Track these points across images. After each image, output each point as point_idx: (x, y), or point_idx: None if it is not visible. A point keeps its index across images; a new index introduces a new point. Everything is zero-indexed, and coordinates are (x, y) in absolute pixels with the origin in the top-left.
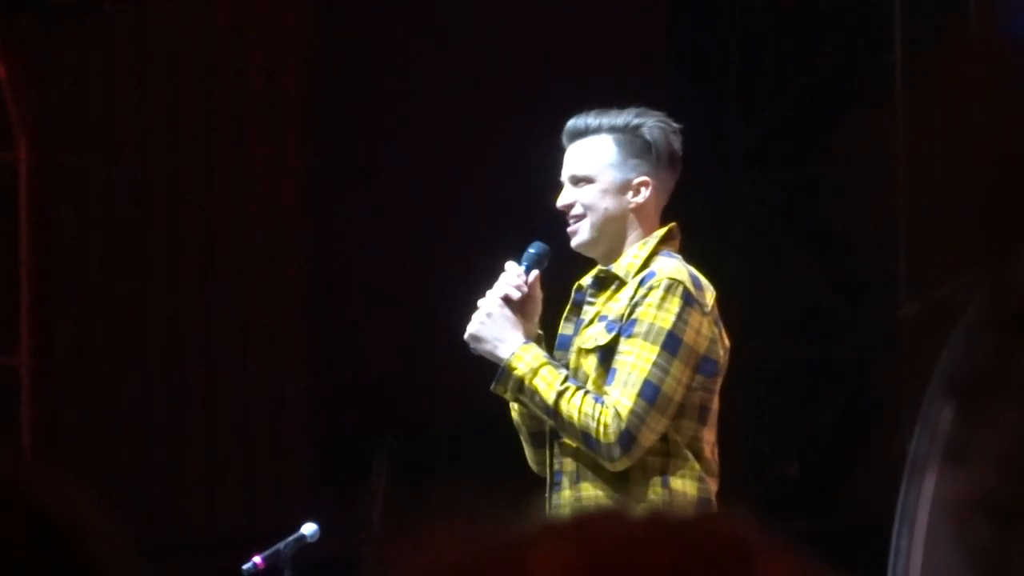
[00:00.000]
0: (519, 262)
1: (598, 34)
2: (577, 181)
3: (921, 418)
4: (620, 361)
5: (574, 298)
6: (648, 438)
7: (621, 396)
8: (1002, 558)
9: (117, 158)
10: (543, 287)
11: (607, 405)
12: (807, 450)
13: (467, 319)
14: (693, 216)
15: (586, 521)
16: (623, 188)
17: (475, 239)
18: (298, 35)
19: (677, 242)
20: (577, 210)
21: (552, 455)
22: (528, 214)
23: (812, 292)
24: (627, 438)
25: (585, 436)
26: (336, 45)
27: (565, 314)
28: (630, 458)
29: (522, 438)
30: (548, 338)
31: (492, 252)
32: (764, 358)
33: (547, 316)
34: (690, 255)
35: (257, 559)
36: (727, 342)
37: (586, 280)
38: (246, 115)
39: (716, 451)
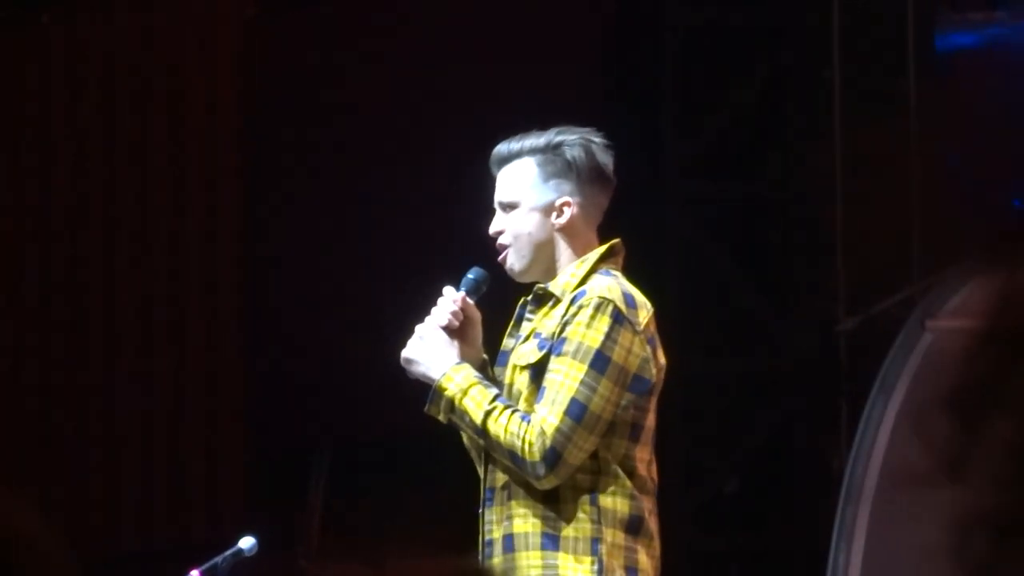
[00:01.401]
0: (458, 287)
1: (532, 51)
2: (504, 207)
3: (859, 436)
4: (549, 379)
5: (516, 313)
6: (575, 456)
7: (548, 414)
8: (1001, 573)
9: (54, 172)
10: (486, 310)
11: (533, 423)
12: (744, 466)
13: (405, 331)
14: (628, 231)
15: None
16: (546, 210)
17: (412, 252)
18: (233, 52)
19: (620, 259)
20: (505, 239)
21: (487, 472)
22: (466, 233)
23: (749, 307)
24: (552, 456)
25: (512, 455)
26: (270, 60)
27: (508, 330)
28: (557, 476)
29: (474, 460)
30: (493, 359)
31: (430, 265)
32: (700, 373)
33: (498, 335)
34: (626, 271)
35: (195, 573)
36: (663, 360)
37: (530, 296)
38: (182, 128)
39: (654, 468)
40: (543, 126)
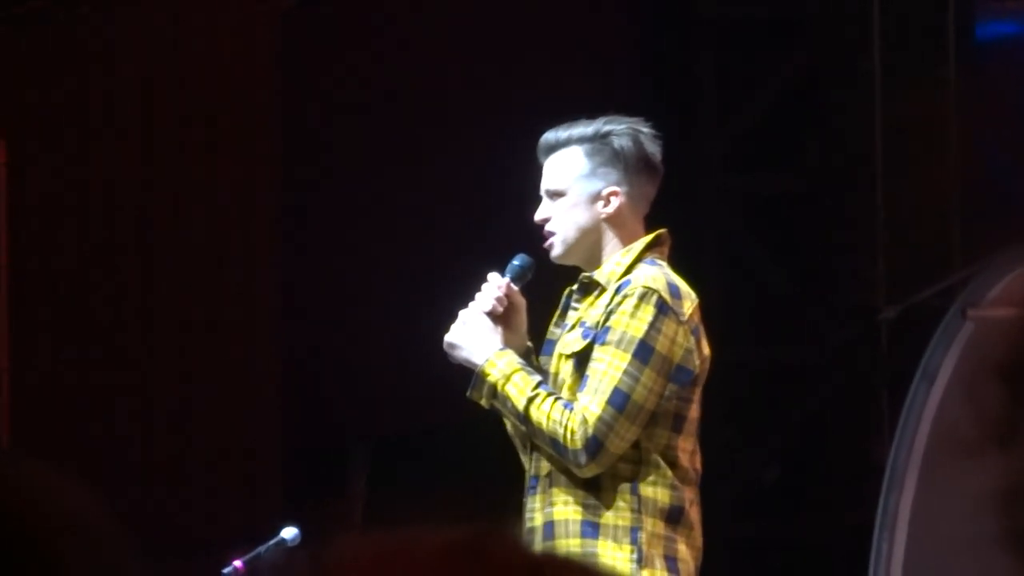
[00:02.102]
0: (503, 273)
1: (570, 43)
2: (552, 195)
3: (901, 425)
4: (592, 368)
5: (563, 303)
6: (617, 445)
7: (590, 403)
8: None
9: (90, 166)
10: (532, 297)
11: (575, 411)
12: (785, 455)
13: (446, 320)
14: (666, 223)
15: (385, 548)
16: (593, 199)
17: (454, 244)
18: (270, 51)
19: (665, 248)
20: (551, 226)
21: (531, 460)
22: (509, 224)
23: (788, 296)
24: (594, 445)
25: (553, 442)
26: (309, 50)
27: (554, 319)
28: (598, 464)
29: (517, 447)
30: (538, 347)
31: (473, 255)
32: (741, 364)
33: (545, 323)
34: (669, 265)
35: (237, 563)
36: (707, 351)
37: (576, 285)
38: (220, 122)
39: (697, 459)
40: (581, 119)
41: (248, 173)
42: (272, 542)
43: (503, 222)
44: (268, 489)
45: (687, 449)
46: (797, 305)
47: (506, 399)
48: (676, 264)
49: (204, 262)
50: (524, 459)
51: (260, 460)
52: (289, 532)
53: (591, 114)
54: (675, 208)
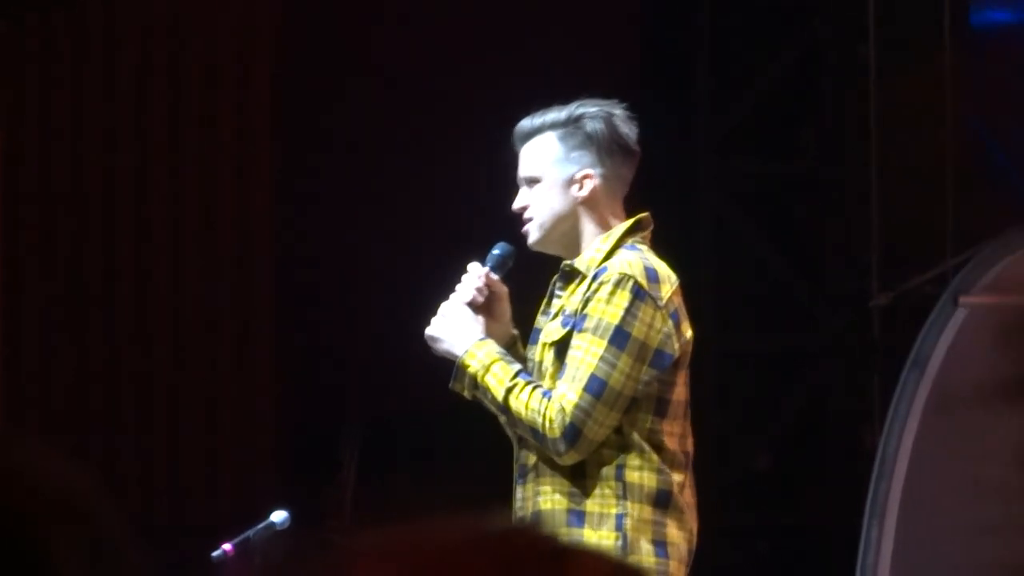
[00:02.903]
0: (483, 263)
1: (566, 27)
2: (528, 182)
3: (892, 412)
4: (570, 356)
5: (549, 292)
6: (595, 432)
7: (567, 391)
8: None
9: (86, 151)
10: (518, 284)
11: (553, 400)
12: (776, 442)
13: (432, 311)
14: (662, 208)
15: (407, 540)
16: (567, 183)
17: (442, 230)
18: (268, 33)
19: (648, 233)
20: (529, 214)
21: (519, 449)
22: (495, 212)
23: (782, 283)
24: (572, 432)
25: (533, 431)
26: (305, 42)
27: (541, 308)
28: (578, 452)
29: (510, 436)
30: (527, 335)
31: (459, 243)
32: (734, 349)
33: (532, 313)
34: (659, 248)
35: (227, 546)
36: (688, 333)
37: (559, 274)
38: (215, 110)
39: (688, 442)
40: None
41: (244, 160)
42: (261, 526)
43: (496, 211)
44: (262, 472)
45: (674, 432)
46: (791, 291)
47: (486, 390)
48: (672, 249)
49: (200, 248)
50: (516, 449)
51: (254, 443)
52: (279, 516)
53: (586, 99)
54: (671, 192)
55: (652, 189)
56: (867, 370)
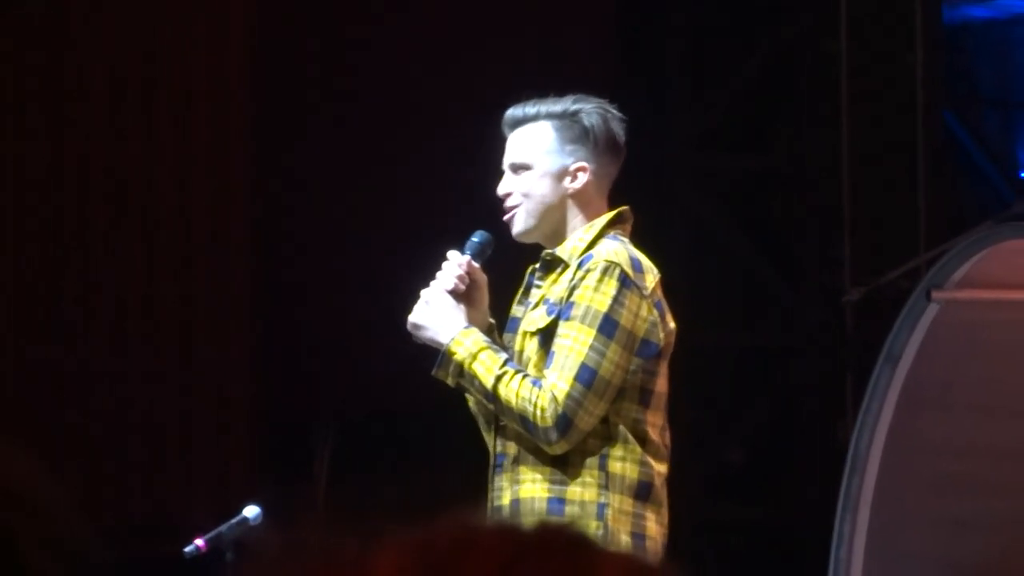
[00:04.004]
0: (462, 251)
1: (542, 20)
2: (516, 168)
3: (864, 407)
4: (558, 344)
5: (526, 281)
6: (586, 421)
7: (558, 380)
8: None
9: (60, 144)
10: (492, 273)
11: (544, 389)
12: (750, 437)
13: (410, 305)
14: (637, 204)
15: (428, 532)
16: (560, 174)
17: (419, 225)
18: (244, 27)
19: (628, 226)
20: (514, 199)
21: (496, 438)
22: (472, 201)
23: (756, 278)
24: (564, 421)
25: (523, 420)
26: (280, 35)
27: (518, 297)
28: (568, 441)
29: (480, 426)
30: (501, 324)
31: (436, 238)
32: (707, 344)
33: (506, 301)
34: (634, 243)
35: (199, 542)
36: (672, 324)
37: (538, 263)
38: (190, 102)
39: (667, 435)
40: (548, 96)
41: (221, 151)
42: (234, 521)
43: (473, 202)
44: (237, 468)
45: (657, 424)
46: (765, 287)
47: (473, 377)
48: (646, 244)
49: (176, 243)
50: (487, 437)
51: (229, 439)
52: (251, 511)
53: (563, 94)
54: (645, 187)
55: (627, 185)
56: (840, 365)
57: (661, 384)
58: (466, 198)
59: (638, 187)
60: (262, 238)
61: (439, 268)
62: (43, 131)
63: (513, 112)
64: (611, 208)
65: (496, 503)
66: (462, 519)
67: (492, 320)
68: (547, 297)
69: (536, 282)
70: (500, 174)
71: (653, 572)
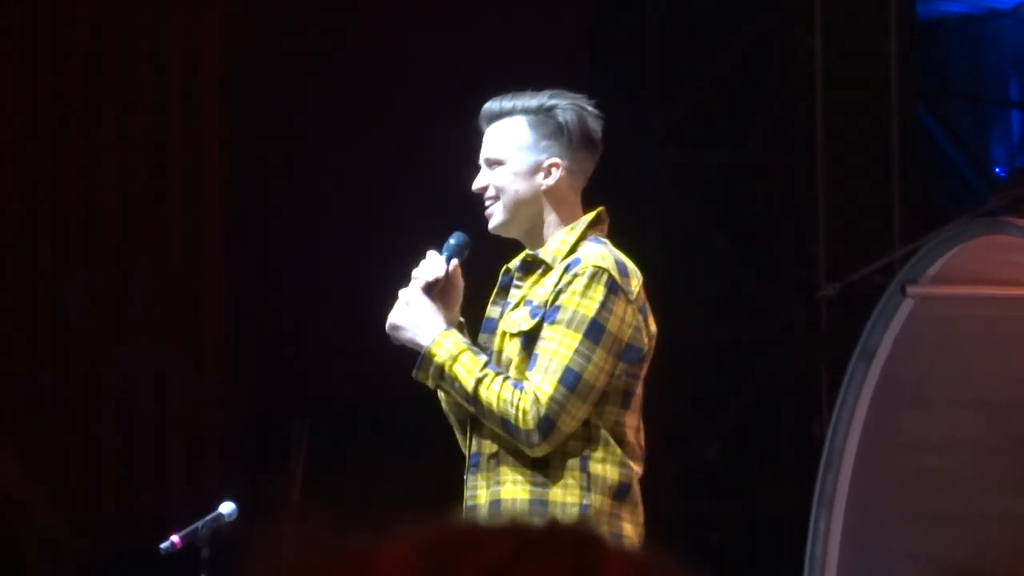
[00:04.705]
0: (439, 251)
1: (517, 14)
2: (491, 164)
3: (839, 403)
4: (542, 347)
5: (501, 281)
6: (568, 424)
7: (541, 382)
8: None
9: (35, 141)
10: (466, 274)
11: (526, 391)
12: (725, 432)
13: (387, 300)
14: (612, 199)
15: (435, 529)
16: (534, 170)
17: (395, 220)
18: (218, 24)
19: (605, 227)
20: (490, 192)
21: (471, 437)
22: (448, 199)
23: (731, 274)
24: (546, 424)
25: (504, 422)
26: (255, 25)
27: (492, 297)
28: (550, 444)
29: (452, 425)
30: (471, 324)
31: (413, 233)
32: (683, 339)
33: (474, 301)
34: (610, 239)
35: (175, 538)
36: (653, 328)
37: (514, 263)
38: (165, 99)
39: (641, 435)
40: (525, 91)
41: (195, 144)
42: (209, 517)
43: (450, 199)
44: (212, 463)
45: (633, 425)
46: (739, 281)
47: (454, 380)
48: (621, 240)
49: (149, 237)
50: (460, 437)
51: (204, 434)
52: (227, 507)
53: (537, 88)
54: (620, 182)
55: (602, 180)
56: (815, 361)
57: (640, 387)
58: (444, 194)
59: (613, 182)
60: (237, 231)
61: (416, 265)
62: (15, 141)
63: (490, 106)
64: (586, 205)
65: (471, 502)
66: (470, 516)
67: (462, 319)
68: (529, 298)
69: (515, 283)
70: (476, 170)
71: (661, 570)
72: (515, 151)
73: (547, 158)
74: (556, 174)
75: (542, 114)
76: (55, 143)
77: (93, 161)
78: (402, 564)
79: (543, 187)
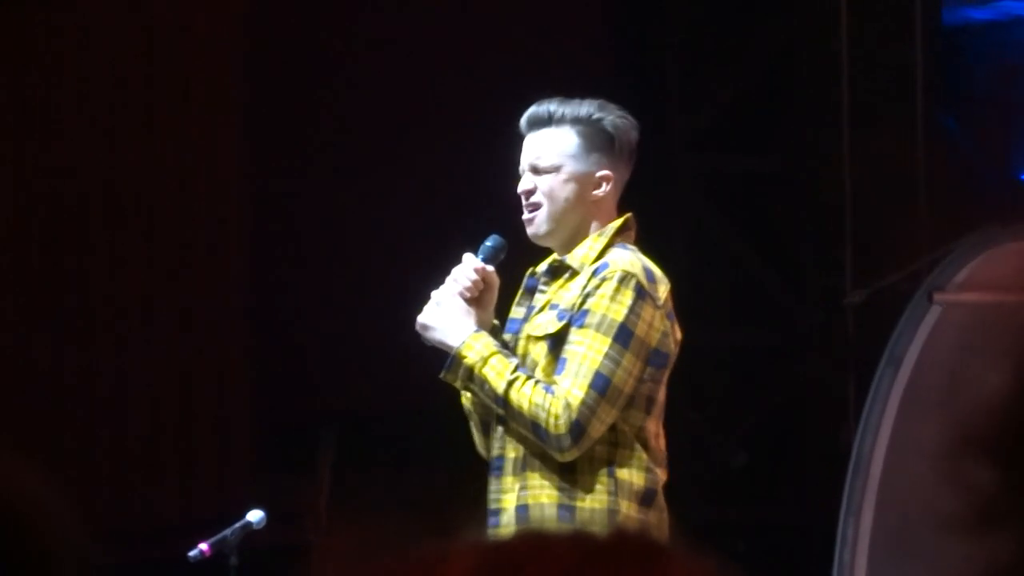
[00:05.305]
0: (476, 254)
1: (541, 22)
2: (538, 171)
3: (866, 410)
4: (571, 351)
5: (526, 283)
6: (598, 429)
7: (572, 387)
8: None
9: (58, 146)
10: (501, 277)
11: (557, 396)
12: (752, 439)
13: (413, 307)
14: (636, 206)
15: (499, 537)
16: (585, 181)
17: (418, 226)
18: (239, 21)
19: (632, 233)
20: (536, 198)
21: (495, 440)
22: (471, 207)
23: (756, 280)
24: (577, 429)
25: (535, 426)
26: (277, 30)
27: (517, 299)
28: (579, 448)
29: (472, 425)
30: (502, 325)
31: (439, 241)
32: (709, 346)
33: (499, 302)
34: (638, 248)
35: (203, 546)
36: (679, 335)
37: (540, 267)
38: (187, 103)
39: (662, 441)
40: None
41: (218, 153)
42: (238, 525)
43: (479, 203)
44: (237, 471)
45: (655, 432)
46: (765, 288)
47: (483, 381)
48: (646, 246)
49: (173, 245)
50: (479, 439)
51: (229, 442)
52: (255, 515)
53: (560, 95)
54: (644, 188)
55: (627, 186)
56: (842, 367)
57: (663, 393)
58: (467, 202)
59: (638, 189)
60: (260, 238)
61: (440, 270)
62: (42, 135)
63: (536, 111)
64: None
65: (495, 506)
66: (534, 529)
67: (496, 321)
68: (555, 302)
69: (541, 287)
70: (507, 174)
71: None
72: (566, 159)
73: (598, 170)
74: (606, 187)
75: (591, 125)
76: (80, 146)
77: (114, 173)
78: (468, 574)
79: (592, 199)
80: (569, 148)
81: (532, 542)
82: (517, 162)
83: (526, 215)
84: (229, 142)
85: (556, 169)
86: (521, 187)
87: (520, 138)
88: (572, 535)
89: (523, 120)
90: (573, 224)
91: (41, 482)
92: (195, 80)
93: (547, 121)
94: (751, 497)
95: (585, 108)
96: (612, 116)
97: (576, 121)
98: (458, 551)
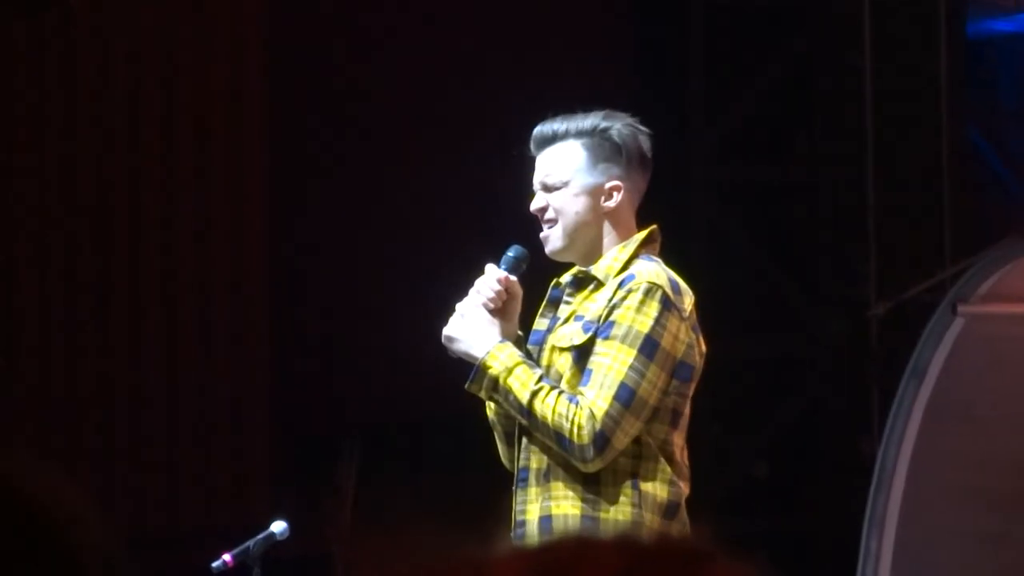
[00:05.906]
0: (499, 265)
1: (561, 33)
2: (548, 188)
3: (890, 422)
4: (596, 362)
5: (550, 294)
6: (621, 441)
7: (596, 398)
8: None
9: (77, 155)
10: (523, 287)
11: (582, 406)
12: (774, 451)
13: (433, 318)
14: (656, 216)
15: (541, 544)
16: (595, 193)
17: (441, 240)
18: (259, 33)
19: (657, 245)
20: (549, 215)
21: (520, 451)
22: (505, 215)
23: (779, 291)
24: (601, 440)
25: (559, 436)
26: (298, 43)
27: (541, 310)
28: (603, 460)
29: (496, 436)
30: (526, 335)
31: (458, 252)
32: (731, 357)
33: (522, 312)
34: (663, 259)
35: (227, 557)
36: (704, 347)
37: (565, 278)
38: (208, 114)
39: (686, 454)
40: (573, 110)
41: (239, 159)
42: (261, 536)
43: (500, 214)
44: (257, 482)
45: (680, 444)
46: (787, 299)
47: (508, 392)
48: (665, 256)
49: (194, 254)
50: (504, 450)
51: (250, 453)
52: (278, 526)
53: (583, 107)
54: (666, 199)
55: (648, 198)
56: (865, 379)
57: (688, 406)
58: (489, 215)
59: (659, 200)
60: (282, 249)
61: (464, 281)
62: (59, 160)
63: (541, 130)
64: (639, 222)
65: (519, 517)
66: (578, 534)
67: (520, 332)
68: (580, 313)
69: (565, 298)
70: (528, 190)
71: None
72: (574, 174)
73: (607, 180)
74: (617, 196)
75: (597, 136)
76: (100, 161)
77: (134, 181)
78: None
79: (605, 210)
80: (576, 162)
81: (579, 547)
82: (527, 175)
83: (543, 233)
84: (252, 153)
85: (565, 184)
86: (533, 206)
87: (532, 160)
88: (618, 540)
89: (531, 140)
90: (589, 237)
91: (76, 490)
92: (217, 95)
93: (552, 139)
94: (772, 508)
95: (589, 121)
96: (618, 125)
97: (580, 134)
98: (502, 560)
